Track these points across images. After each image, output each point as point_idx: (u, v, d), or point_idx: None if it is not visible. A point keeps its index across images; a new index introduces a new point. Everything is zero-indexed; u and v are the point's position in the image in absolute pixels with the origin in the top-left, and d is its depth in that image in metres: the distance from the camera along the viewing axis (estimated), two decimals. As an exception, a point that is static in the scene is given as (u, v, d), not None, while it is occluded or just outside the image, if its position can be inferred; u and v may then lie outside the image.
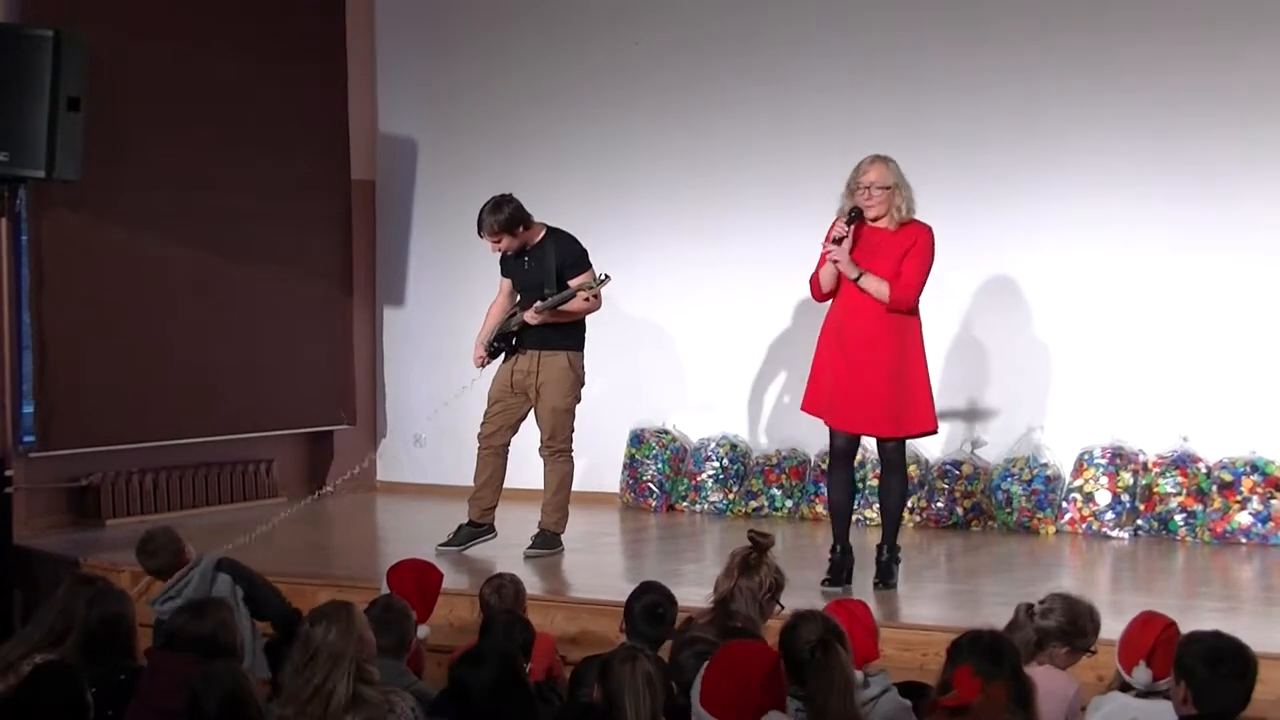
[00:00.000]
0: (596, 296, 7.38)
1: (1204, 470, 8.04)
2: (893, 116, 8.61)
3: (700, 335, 9.30)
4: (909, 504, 7.92)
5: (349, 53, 9.90)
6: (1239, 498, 7.89)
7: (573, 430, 7.51)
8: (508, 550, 7.43)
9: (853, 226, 6.48)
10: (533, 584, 6.50)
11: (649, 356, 9.40)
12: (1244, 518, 7.87)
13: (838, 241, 6.49)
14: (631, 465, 9.29)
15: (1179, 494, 8.03)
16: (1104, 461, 8.18)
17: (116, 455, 8.56)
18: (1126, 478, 8.14)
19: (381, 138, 10.20)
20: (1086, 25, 8.41)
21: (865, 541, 7.00)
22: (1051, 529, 8.24)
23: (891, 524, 6.72)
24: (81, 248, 8.31)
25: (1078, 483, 8.23)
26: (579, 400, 7.53)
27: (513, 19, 9.82)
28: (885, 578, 6.66)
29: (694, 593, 5.61)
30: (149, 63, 8.57)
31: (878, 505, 7.16)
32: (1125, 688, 4.29)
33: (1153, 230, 8.23)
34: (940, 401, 6.74)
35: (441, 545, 7.46)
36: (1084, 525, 8.16)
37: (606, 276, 7.29)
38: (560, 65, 9.66)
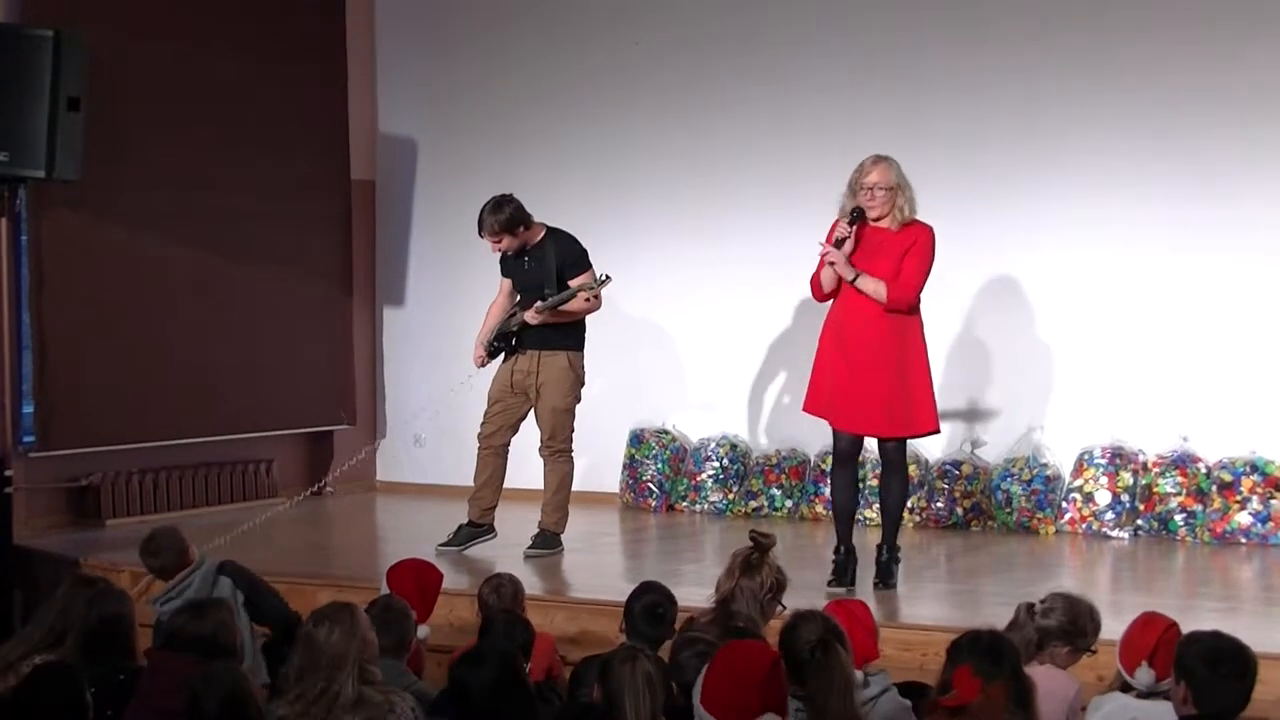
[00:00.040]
0: (597, 297, 7.38)
1: (1204, 470, 8.04)
2: (893, 116, 8.61)
3: (700, 335, 9.29)
4: (909, 504, 7.92)
5: (349, 53, 9.89)
6: (1239, 498, 7.89)
7: (573, 430, 7.51)
8: (508, 550, 7.43)
9: (855, 227, 6.49)
10: (533, 584, 6.50)
11: (649, 356, 9.40)
12: (1244, 518, 7.87)
13: (840, 242, 6.49)
14: (631, 465, 9.29)
15: (1179, 494, 8.03)
16: (1104, 461, 8.18)
17: (116, 455, 8.56)
18: (1126, 478, 8.14)
19: (381, 138, 10.20)
20: (1086, 25, 8.41)
21: (865, 541, 7.00)
22: (1051, 529, 8.24)
23: (891, 524, 6.72)
24: (81, 248, 8.31)
25: (1078, 483, 8.23)
26: (579, 400, 7.53)
27: (513, 19, 9.82)
28: (885, 578, 6.66)
29: (694, 593, 5.61)
30: (149, 63, 8.57)
31: (878, 505, 7.17)
32: (1126, 688, 4.29)
33: (1153, 230, 8.23)
34: (940, 401, 6.73)
35: (441, 545, 7.46)
36: (1084, 525, 8.16)
37: (607, 277, 7.29)
38: (560, 65, 9.66)
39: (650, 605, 4.89)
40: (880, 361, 6.48)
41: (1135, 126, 8.27)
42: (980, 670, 3.65)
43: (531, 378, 7.43)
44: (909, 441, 6.79)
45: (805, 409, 6.80)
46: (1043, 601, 4.60)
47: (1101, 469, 8.17)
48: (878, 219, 6.52)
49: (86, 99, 7.32)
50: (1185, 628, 4.17)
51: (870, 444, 6.88)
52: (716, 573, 5.02)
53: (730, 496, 9.01)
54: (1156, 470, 8.13)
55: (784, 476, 8.91)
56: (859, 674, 4.08)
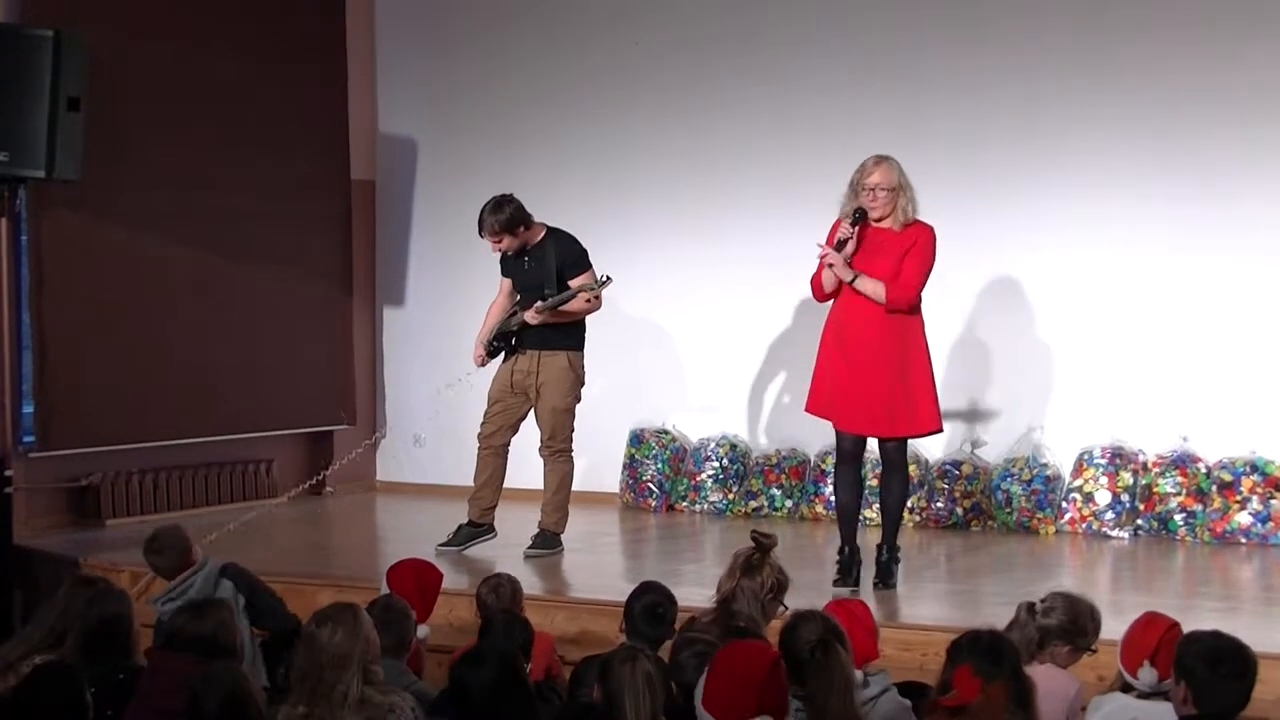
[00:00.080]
0: (597, 298, 7.38)
1: (1204, 470, 8.04)
2: (893, 116, 8.61)
3: (700, 335, 9.29)
4: (909, 504, 7.92)
5: (349, 53, 9.89)
6: (1239, 498, 7.89)
7: (573, 430, 7.51)
8: (507, 550, 7.43)
9: (857, 227, 6.48)
10: (532, 584, 6.51)
11: (649, 356, 9.40)
12: (1244, 518, 7.87)
13: (842, 243, 6.48)
14: (631, 465, 9.29)
15: (1179, 494, 8.03)
16: (1104, 461, 8.18)
17: (116, 455, 8.56)
18: (1126, 478, 8.14)
19: (381, 138, 10.20)
20: (1086, 25, 8.41)
21: (865, 541, 6.99)
22: (1051, 529, 8.24)
23: (891, 524, 6.72)
24: (81, 248, 8.31)
25: (1077, 483, 8.23)
26: (579, 400, 7.53)
27: (513, 19, 9.82)
28: (885, 578, 6.66)
29: (694, 593, 5.61)
30: (149, 63, 8.56)
31: (878, 505, 7.17)
32: (1126, 688, 4.29)
33: (1153, 230, 8.23)
34: (941, 401, 6.73)
35: (441, 545, 7.46)
36: (1084, 525, 8.16)
37: (608, 278, 7.29)
38: (560, 65, 9.66)
39: (650, 605, 4.89)
40: (881, 361, 6.47)
41: (1135, 126, 8.27)
42: (980, 670, 3.65)
43: (531, 378, 7.43)
44: (909, 441, 6.79)
45: (807, 409, 6.80)
46: (1043, 601, 4.60)
47: (1101, 469, 8.17)
48: (880, 220, 6.52)
49: (86, 99, 7.32)
50: (1185, 628, 4.17)
51: (871, 444, 6.88)
52: (716, 573, 5.02)
53: (730, 496, 9.01)
54: (1156, 470, 8.13)
55: (784, 476, 8.91)
56: (859, 674, 4.08)
